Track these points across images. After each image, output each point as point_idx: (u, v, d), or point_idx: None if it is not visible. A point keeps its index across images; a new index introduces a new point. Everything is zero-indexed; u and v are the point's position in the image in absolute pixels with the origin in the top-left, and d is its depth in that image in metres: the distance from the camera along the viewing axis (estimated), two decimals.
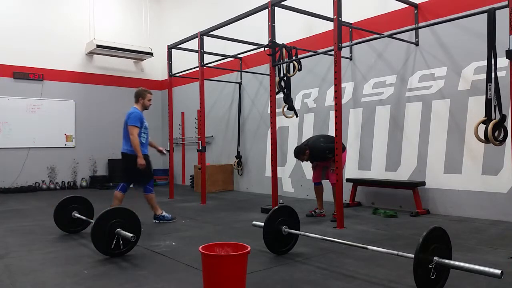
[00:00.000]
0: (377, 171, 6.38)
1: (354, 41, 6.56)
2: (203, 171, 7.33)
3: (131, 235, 3.47)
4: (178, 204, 7.13)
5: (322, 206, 5.61)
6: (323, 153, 5.35)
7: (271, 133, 5.85)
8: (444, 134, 5.57)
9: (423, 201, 5.66)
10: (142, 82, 11.81)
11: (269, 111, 6.56)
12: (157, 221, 5.35)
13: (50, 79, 10.22)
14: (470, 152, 5.24)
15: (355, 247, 3.30)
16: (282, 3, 5.62)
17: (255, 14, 6.15)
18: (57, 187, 10.23)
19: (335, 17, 4.81)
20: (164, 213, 5.40)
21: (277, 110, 6.10)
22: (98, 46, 10.19)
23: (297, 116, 6.32)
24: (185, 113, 10.64)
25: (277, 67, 5.82)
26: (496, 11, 3.88)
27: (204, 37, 7.29)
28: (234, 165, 9.11)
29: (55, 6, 10.35)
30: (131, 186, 5.48)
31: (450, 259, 2.57)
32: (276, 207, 3.65)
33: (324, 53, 5.95)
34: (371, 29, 6.22)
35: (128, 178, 5.34)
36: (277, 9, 5.75)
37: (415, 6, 5.90)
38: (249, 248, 2.49)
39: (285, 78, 5.82)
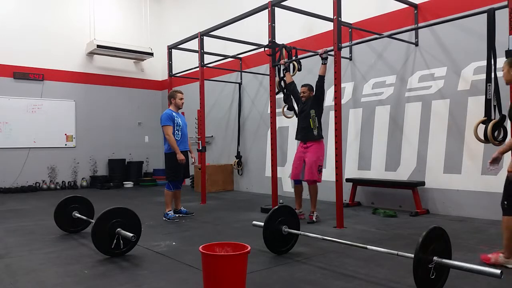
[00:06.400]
0: (377, 171, 6.38)
1: (354, 41, 6.57)
2: (203, 171, 7.34)
3: (131, 235, 3.47)
4: None
5: (300, 206, 5.38)
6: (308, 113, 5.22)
7: (271, 133, 5.86)
8: (443, 134, 5.58)
9: (423, 201, 5.66)
10: (142, 82, 11.84)
11: (269, 111, 6.57)
12: (164, 219, 5.51)
13: (50, 79, 10.22)
14: (470, 152, 5.25)
15: (355, 247, 3.31)
16: (282, 3, 5.62)
17: (255, 14, 6.16)
18: (58, 187, 10.24)
19: (335, 17, 4.82)
20: (169, 212, 5.51)
21: (277, 110, 6.11)
22: (98, 46, 10.20)
23: (297, 116, 6.32)
24: (185, 113, 10.62)
25: (277, 67, 5.82)
26: (496, 11, 3.88)
27: (204, 37, 7.30)
28: (234, 165, 9.11)
29: (56, 6, 10.35)
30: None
31: (450, 259, 2.58)
32: (276, 207, 3.65)
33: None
34: (371, 29, 6.23)
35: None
36: (277, 9, 5.75)
37: (414, 6, 5.90)
38: (249, 248, 2.49)
39: (285, 78, 5.83)
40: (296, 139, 5.51)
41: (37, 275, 3.15)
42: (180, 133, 5.57)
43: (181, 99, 5.67)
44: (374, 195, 6.40)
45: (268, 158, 7.76)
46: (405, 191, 5.81)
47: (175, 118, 5.55)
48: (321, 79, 5.16)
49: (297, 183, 5.40)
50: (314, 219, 5.15)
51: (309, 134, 5.25)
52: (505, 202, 3.10)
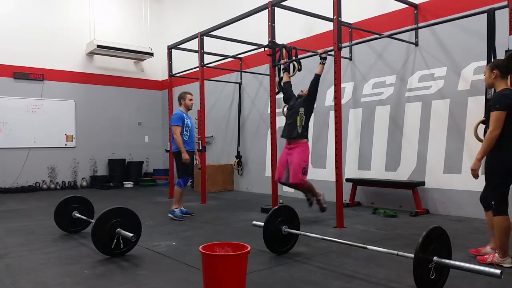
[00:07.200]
0: (377, 171, 6.38)
1: (354, 41, 6.57)
2: (203, 171, 7.33)
3: (131, 235, 3.48)
4: None
5: (314, 192, 5.20)
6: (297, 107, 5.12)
7: (271, 133, 5.86)
8: (443, 134, 5.58)
9: (423, 201, 5.67)
10: (142, 82, 11.84)
11: (269, 111, 6.57)
12: (170, 215, 5.58)
13: (50, 79, 10.22)
14: (470, 152, 5.25)
15: (355, 246, 3.31)
16: (282, 3, 5.62)
17: (255, 14, 6.16)
18: (58, 187, 10.24)
19: (335, 17, 4.82)
20: (176, 210, 5.58)
21: (277, 110, 6.11)
22: (98, 46, 10.20)
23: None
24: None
25: (277, 67, 5.82)
26: (496, 11, 3.89)
27: (204, 37, 7.30)
28: (234, 165, 9.11)
29: (56, 6, 10.35)
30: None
31: (450, 259, 2.58)
32: (276, 207, 3.66)
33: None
34: (371, 29, 6.23)
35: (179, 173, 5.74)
36: (277, 9, 5.75)
37: (414, 6, 5.90)
38: (249, 248, 2.49)
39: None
40: (281, 136, 5.30)
41: (37, 275, 3.15)
42: (188, 134, 5.72)
43: (191, 99, 5.83)
44: (374, 195, 6.40)
45: (268, 158, 7.76)
46: (405, 191, 5.81)
47: (185, 120, 5.69)
48: (316, 78, 5.14)
49: (282, 183, 5.31)
50: (324, 205, 5.19)
51: (293, 131, 5.09)
52: (493, 202, 3.12)
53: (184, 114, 5.72)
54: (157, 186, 10.74)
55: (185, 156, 5.50)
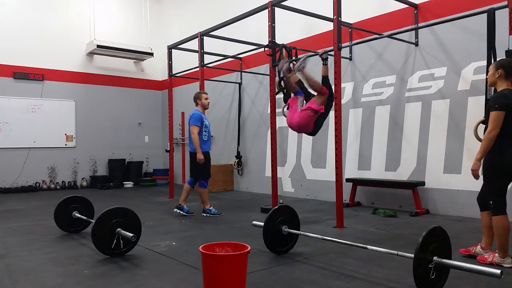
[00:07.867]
0: (377, 171, 6.38)
1: (354, 41, 6.57)
2: None
3: (131, 235, 3.48)
4: None
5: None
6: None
7: (271, 133, 5.85)
8: (443, 134, 5.58)
9: (423, 201, 5.66)
10: (142, 82, 11.84)
11: (269, 111, 6.57)
12: (205, 214, 5.77)
13: (50, 79, 10.22)
14: (470, 152, 5.25)
15: (355, 247, 3.31)
16: (282, 3, 5.62)
17: (255, 14, 6.16)
18: (58, 187, 10.24)
19: (335, 17, 4.82)
20: (211, 208, 5.81)
21: (277, 110, 6.10)
22: (98, 46, 10.20)
23: None
24: (185, 113, 10.63)
25: (277, 67, 5.81)
26: (496, 11, 3.89)
27: (204, 37, 7.30)
28: (234, 165, 9.11)
29: (56, 6, 10.35)
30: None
31: (450, 259, 2.58)
32: (276, 207, 3.66)
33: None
34: (371, 29, 6.23)
35: (193, 173, 5.88)
36: (277, 9, 5.75)
37: (414, 6, 5.90)
38: (249, 248, 2.49)
39: (285, 78, 5.82)
40: None
41: (37, 275, 3.15)
42: (207, 134, 5.81)
43: (207, 99, 5.91)
44: (374, 195, 6.40)
45: (268, 158, 7.76)
46: (405, 191, 5.81)
47: (204, 120, 5.76)
48: (325, 79, 5.12)
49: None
50: None
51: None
52: (491, 202, 3.13)
53: (202, 114, 5.79)
54: (157, 186, 10.75)
55: (200, 156, 5.59)
